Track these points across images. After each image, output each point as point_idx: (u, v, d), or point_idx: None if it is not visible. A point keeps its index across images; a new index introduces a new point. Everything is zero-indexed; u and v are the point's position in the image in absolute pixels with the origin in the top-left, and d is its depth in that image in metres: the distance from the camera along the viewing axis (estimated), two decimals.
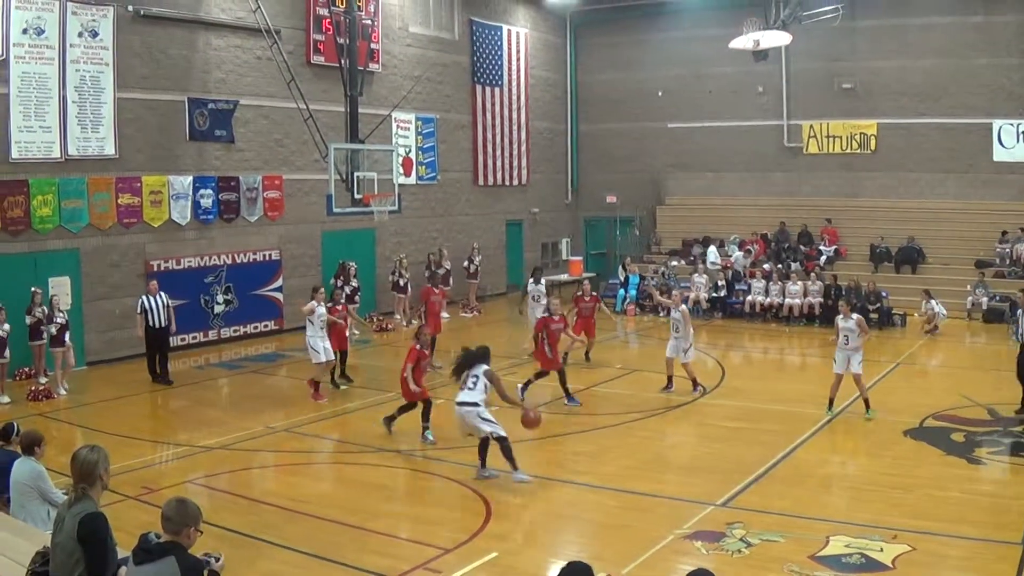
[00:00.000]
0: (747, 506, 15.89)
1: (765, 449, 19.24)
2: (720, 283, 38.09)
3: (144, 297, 25.55)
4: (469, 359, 17.78)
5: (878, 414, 21.33)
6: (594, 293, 28.59)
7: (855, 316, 21.99)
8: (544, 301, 28.97)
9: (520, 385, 23.31)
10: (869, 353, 26.96)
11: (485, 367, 17.57)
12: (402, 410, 20.51)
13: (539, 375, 23.68)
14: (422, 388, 20.20)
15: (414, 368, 20.05)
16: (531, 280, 30.26)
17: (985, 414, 22.13)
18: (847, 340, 21.66)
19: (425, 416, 20.10)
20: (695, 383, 24.58)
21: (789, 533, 14.42)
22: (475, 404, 17.08)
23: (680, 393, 24.35)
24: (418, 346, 20.31)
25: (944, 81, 40.29)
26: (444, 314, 29.86)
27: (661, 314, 36.64)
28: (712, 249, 40.96)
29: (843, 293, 35.27)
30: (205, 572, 8.34)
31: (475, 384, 17.26)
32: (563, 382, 23.47)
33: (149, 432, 20.99)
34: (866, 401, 21.61)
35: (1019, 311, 23.27)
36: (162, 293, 25.80)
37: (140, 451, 19.08)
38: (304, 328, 24.51)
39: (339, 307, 25.32)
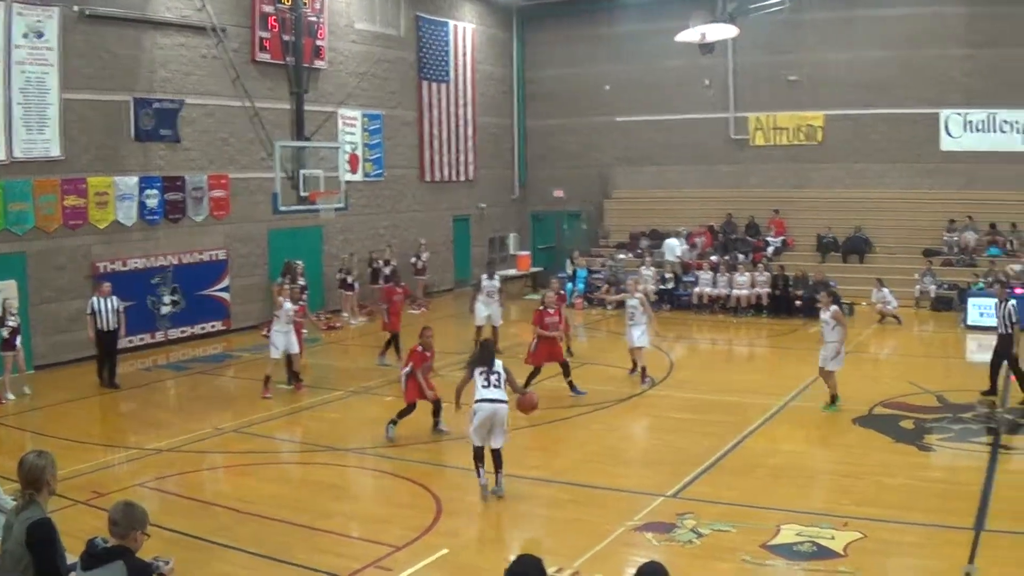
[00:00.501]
0: (698, 497, 16.04)
1: (714, 440, 19.42)
2: (668, 275, 38.23)
3: (94, 299, 25.29)
4: (489, 354, 16.88)
5: (837, 410, 21.41)
6: (561, 292, 28.52)
7: (832, 308, 21.96)
8: (498, 297, 29.02)
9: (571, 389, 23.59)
10: (817, 343, 27.10)
11: (501, 363, 16.84)
12: (403, 413, 19.97)
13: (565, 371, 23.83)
14: (433, 390, 19.93)
15: (422, 371, 19.77)
16: (485, 276, 29.83)
17: (934, 401, 22.40)
18: (823, 334, 21.71)
19: (402, 415, 19.92)
20: (644, 373, 24.89)
21: (740, 523, 14.56)
22: (506, 402, 16.40)
23: (630, 385, 24.53)
24: (420, 348, 19.98)
25: (891, 72, 40.54)
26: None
27: (609, 308, 36.79)
28: (673, 241, 40.96)
29: (791, 283, 35.59)
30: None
31: (499, 381, 16.42)
32: (567, 373, 23.77)
33: (98, 436, 20.91)
34: (833, 397, 21.66)
35: (997, 303, 23.46)
36: (114, 296, 25.49)
37: (89, 455, 18.92)
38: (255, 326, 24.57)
39: (298, 306, 25.36)
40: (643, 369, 25.05)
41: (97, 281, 26.96)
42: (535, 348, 23.80)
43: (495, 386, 16.30)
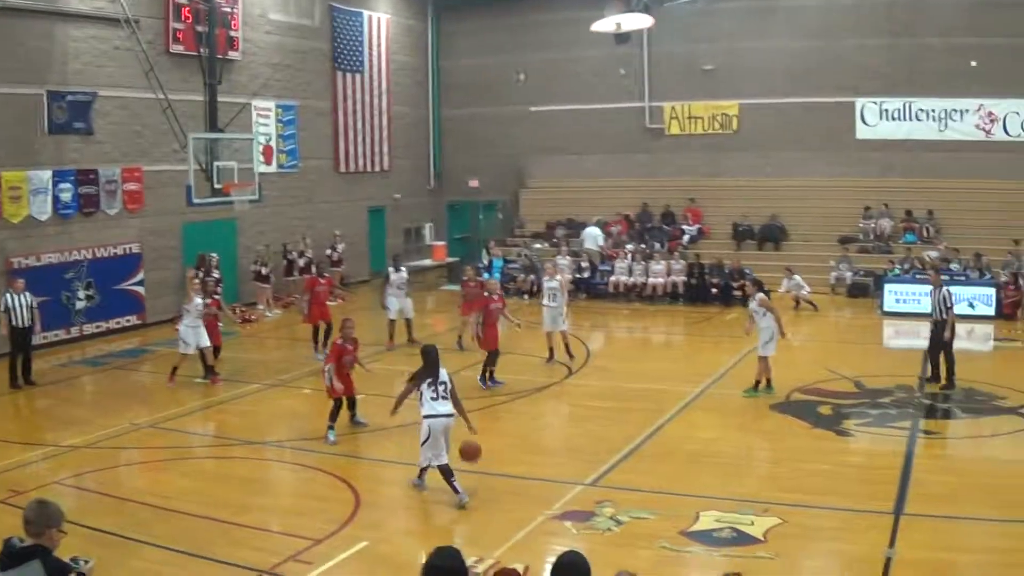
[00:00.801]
0: (616, 484, 16.26)
1: (632, 427, 19.66)
2: (584, 264, 38.35)
3: (8, 295, 24.88)
4: (436, 362, 16.14)
5: (759, 397, 21.62)
6: (479, 279, 28.54)
7: (758, 296, 22.11)
8: (406, 289, 29.08)
9: (480, 378, 23.71)
10: (733, 329, 27.46)
11: (445, 371, 16.23)
12: (334, 415, 19.30)
13: (492, 359, 23.99)
14: (346, 385, 19.42)
15: (337, 365, 19.14)
16: (392, 268, 29.69)
17: (852, 387, 22.72)
18: (753, 321, 21.83)
19: (334, 416, 19.28)
20: (568, 350, 26.09)
21: (659, 510, 14.77)
22: (454, 415, 15.92)
23: (547, 374, 24.66)
24: (340, 340, 19.45)
25: (806, 61, 40.98)
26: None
27: (525, 299, 36.89)
28: (595, 230, 41.13)
29: (707, 271, 35.89)
30: (74, 575, 8.29)
31: (447, 392, 15.84)
32: (491, 363, 24.00)
33: (14, 433, 20.60)
34: (758, 382, 21.89)
35: (932, 289, 23.68)
36: (27, 293, 25.12)
37: (5, 453, 18.73)
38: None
39: (212, 300, 25.22)
40: (567, 346, 26.10)
41: (11, 277, 26.60)
42: (484, 334, 23.90)
43: (443, 398, 15.76)
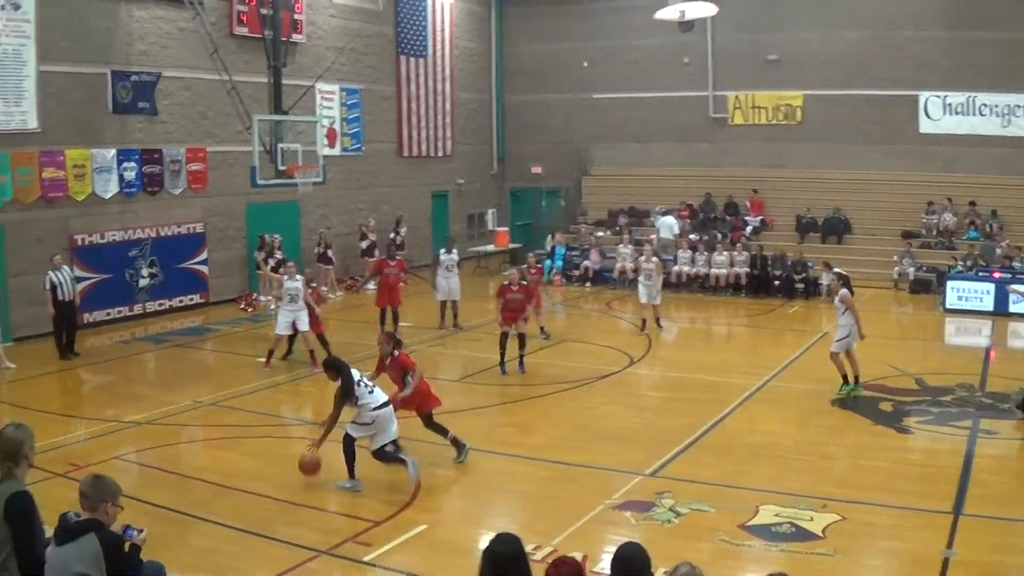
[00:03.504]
0: (676, 475, 16.06)
1: (693, 419, 19.44)
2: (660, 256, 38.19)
3: (51, 272, 25.08)
4: None
5: (860, 391, 21.27)
6: (539, 266, 28.59)
7: (841, 292, 21.52)
8: (456, 271, 29.22)
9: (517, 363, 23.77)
10: (795, 323, 27.21)
11: None
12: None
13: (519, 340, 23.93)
14: None
15: None
16: (443, 250, 29.83)
17: (913, 384, 22.40)
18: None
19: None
20: (658, 321, 29.25)
21: (718, 503, 14.57)
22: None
23: (608, 363, 24.54)
24: None
25: (870, 53, 40.50)
26: (370, 285, 29.52)
27: (587, 286, 36.90)
28: (671, 219, 40.42)
29: (769, 263, 35.70)
30: (127, 545, 8.33)
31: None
32: (504, 348, 23.82)
33: (75, 408, 20.79)
34: (845, 377, 21.39)
35: None
36: (65, 267, 25.44)
37: (67, 427, 18.90)
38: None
39: (311, 289, 24.87)
40: (657, 319, 29.30)
41: (74, 254, 26.75)
42: (502, 316, 23.86)
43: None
